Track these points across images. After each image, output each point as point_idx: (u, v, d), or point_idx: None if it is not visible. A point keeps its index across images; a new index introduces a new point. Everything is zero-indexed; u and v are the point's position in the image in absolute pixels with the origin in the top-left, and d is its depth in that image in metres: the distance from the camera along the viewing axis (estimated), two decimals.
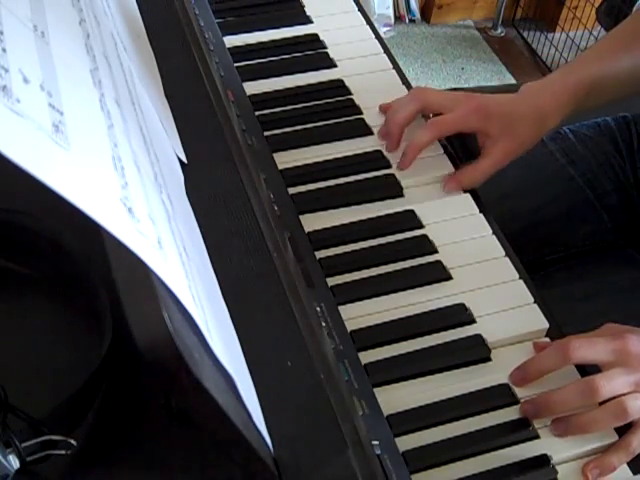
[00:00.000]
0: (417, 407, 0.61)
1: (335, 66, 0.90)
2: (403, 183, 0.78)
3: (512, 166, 0.98)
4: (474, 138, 0.81)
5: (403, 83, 0.89)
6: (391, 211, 0.75)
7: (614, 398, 0.59)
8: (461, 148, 0.84)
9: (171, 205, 0.47)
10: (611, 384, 0.59)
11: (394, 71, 0.90)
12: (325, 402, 0.48)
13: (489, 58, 2.34)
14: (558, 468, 0.59)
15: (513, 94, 0.82)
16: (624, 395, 0.59)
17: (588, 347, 0.60)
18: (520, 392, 0.63)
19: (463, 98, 0.80)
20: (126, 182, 0.38)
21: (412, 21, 2.43)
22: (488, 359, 0.65)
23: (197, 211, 0.55)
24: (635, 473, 0.59)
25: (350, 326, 0.65)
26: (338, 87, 0.87)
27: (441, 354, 0.65)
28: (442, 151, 0.81)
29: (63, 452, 0.46)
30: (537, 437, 0.60)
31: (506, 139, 0.78)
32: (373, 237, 0.73)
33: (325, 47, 0.92)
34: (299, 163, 0.79)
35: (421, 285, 0.70)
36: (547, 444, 0.60)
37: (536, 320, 0.67)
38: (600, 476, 0.59)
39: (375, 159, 0.80)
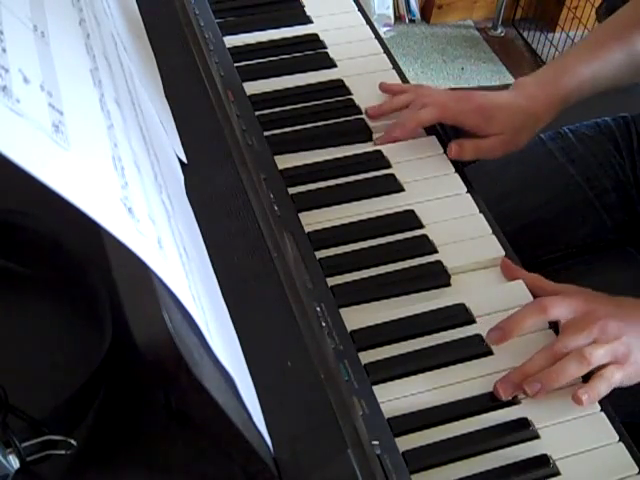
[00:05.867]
0: (417, 407, 0.61)
1: (335, 66, 0.90)
2: (403, 181, 0.78)
3: (512, 165, 0.98)
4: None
5: (403, 83, 0.89)
6: (391, 211, 0.75)
7: None
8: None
9: (171, 205, 0.47)
10: (571, 341, 0.64)
11: (394, 71, 0.90)
12: (325, 402, 0.48)
13: (489, 58, 2.34)
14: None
15: (508, 93, 0.84)
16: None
17: (559, 305, 0.66)
18: (519, 394, 0.63)
19: (463, 97, 0.82)
20: (126, 182, 0.38)
21: (412, 21, 2.43)
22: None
23: (197, 211, 0.55)
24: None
25: (350, 326, 0.65)
26: (338, 87, 0.87)
27: (441, 354, 0.65)
28: (442, 151, 0.81)
29: (63, 452, 0.46)
30: (537, 437, 0.60)
31: (504, 135, 0.81)
32: (373, 237, 0.73)
33: (325, 47, 0.92)
34: (299, 163, 0.79)
35: (421, 286, 0.70)
36: (547, 444, 0.60)
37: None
38: (591, 402, 0.62)
39: (375, 159, 0.80)
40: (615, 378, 0.63)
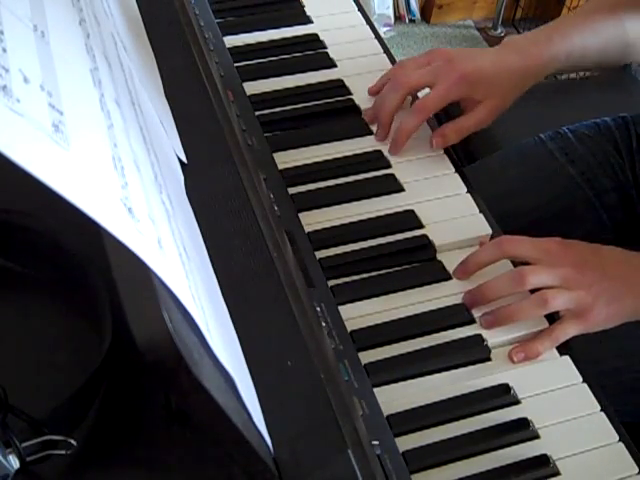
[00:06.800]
0: (417, 407, 0.61)
1: (335, 66, 0.90)
2: (403, 182, 0.78)
3: (512, 165, 0.98)
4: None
5: None
6: (391, 211, 0.75)
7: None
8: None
9: (171, 205, 0.47)
10: (538, 275, 0.65)
11: None
12: (325, 402, 0.48)
13: None
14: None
15: (494, 49, 0.83)
16: (548, 288, 0.65)
17: (518, 244, 0.68)
18: (520, 392, 0.63)
19: (444, 70, 0.79)
20: (126, 182, 0.38)
21: (412, 21, 2.43)
22: (488, 359, 0.65)
23: (197, 211, 0.55)
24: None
25: (350, 326, 0.65)
26: (338, 87, 0.87)
27: (441, 354, 0.65)
28: (442, 151, 0.81)
29: (63, 452, 0.46)
30: (537, 437, 0.60)
31: (489, 99, 0.80)
32: (373, 237, 0.73)
33: (325, 47, 0.92)
34: (299, 163, 0.79)
35: (421, 285, 0.70)
36: (547, 444, 0.60)
37: (536, 319, 0.67)
38: (525, 359, 0.65)
39: (375, 159, 0.80)
40: (566, 333, 0.65)
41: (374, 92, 0.85)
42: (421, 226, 0.74)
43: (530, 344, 0.65)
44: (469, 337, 0.66)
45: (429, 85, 0.79)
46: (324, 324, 0.62)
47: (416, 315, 0.67)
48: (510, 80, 0.80)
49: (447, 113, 0.83)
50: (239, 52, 0.89)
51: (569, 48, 0.82)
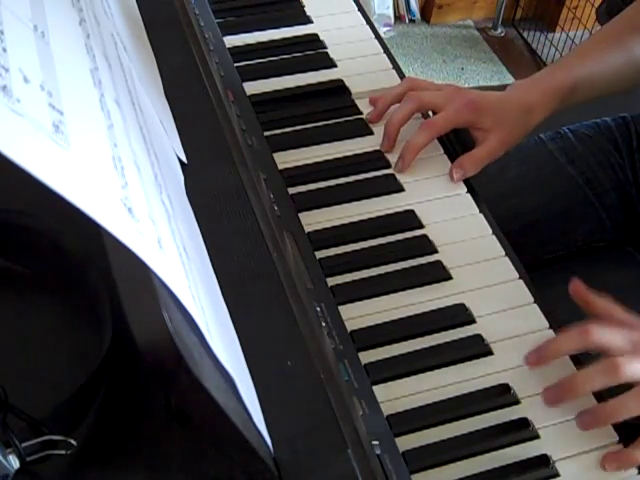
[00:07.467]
0: (417, 407, 0.61)
1: (335, 66, 0.90)
2: (403, 181, 0.78)
3: (512, 165, 0.98)
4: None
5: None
6: (391, 211, 0.75)
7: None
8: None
9: (171, 205, 0.47)
10: (632, 364, 0.58)
11: (394, 71, 0.90)
12: (325, 402, 0.48)
13: (489, 58, 2.34)
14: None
15: (500, 92, 0.84)
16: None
17: (609, 333, 0.60)
18: (520, 392, 0.63)
19: (454, 94, 0.81)
20: (126, 182, 0.38)
21: (412, 21, 2.43)
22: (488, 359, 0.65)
23: (197, 211, 0.55)
24: None
25: (350, 326, 0.65)
26: (338, 87, 0.87)
27: (441, 354, 0.65)
28: (442, 151, 0.81)
29: (63, 452, 0.46)
30: (537, 437, 0.60)
31: (498, 129, 0.80)
32: (373, 237, 0.73)
33: (325, 47, 0.92)
34: (299, 163, 0.79)
35: (421, 285, 0.70)
36: (547, 444, 0.60)
37: (536, 320, 0.68)
38: (619, 469, 0.59)
39: (375, 159, 0.80)
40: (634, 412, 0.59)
41: (375, 101, 0.85)
42: (421, 226, 0.74)
43: (626, 452, 0.59)
44: (469, 337, 0.66)
45: (439, 107, 0.80)
46: (324, 324, 0.62)
47: (416, 315, 0.67)
48: (515, 112, 0.80)
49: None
50: (239, 52, 0.89)
51: (573, 81, 0.82)
